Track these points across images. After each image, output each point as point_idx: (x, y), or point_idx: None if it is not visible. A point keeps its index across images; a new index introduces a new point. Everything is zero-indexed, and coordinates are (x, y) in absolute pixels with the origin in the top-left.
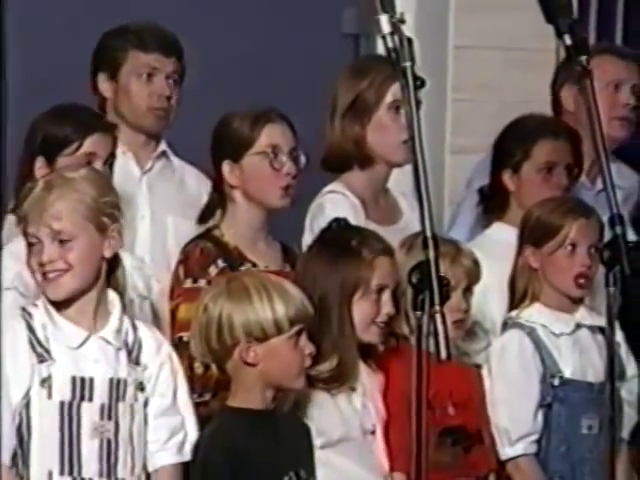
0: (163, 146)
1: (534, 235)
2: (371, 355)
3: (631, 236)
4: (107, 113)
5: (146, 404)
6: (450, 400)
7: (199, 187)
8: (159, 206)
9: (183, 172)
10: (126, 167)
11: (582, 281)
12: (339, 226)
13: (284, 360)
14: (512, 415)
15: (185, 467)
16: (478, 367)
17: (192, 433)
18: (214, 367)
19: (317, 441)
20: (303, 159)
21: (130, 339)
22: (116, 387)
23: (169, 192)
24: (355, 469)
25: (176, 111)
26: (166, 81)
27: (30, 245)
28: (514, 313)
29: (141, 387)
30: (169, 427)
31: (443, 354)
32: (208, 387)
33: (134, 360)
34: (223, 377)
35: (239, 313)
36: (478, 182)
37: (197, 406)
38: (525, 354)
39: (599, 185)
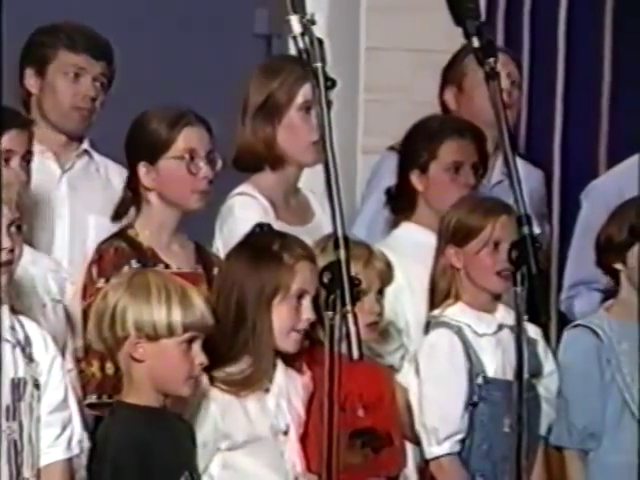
0: (85, 145)
1: (457, 235)
2: (294, 355)
3: (536, 229)
4: (30, 110)
5: (39, 400)
6: (360, 402)
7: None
8: (80, 205)
9: (107, 170)
10: (45, 166)
11: (505, 274)
12: (262, 231)
13: (171, 363)
14: (442, 414)
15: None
16: (391, 368)
17: (78, 427)
18: None
19: (222, 444)
20: (219, 162)
21: (21, 336)
22: (17, 386)
23: (93, 191)
24: (262, 470)
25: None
26: (92, 83)
27: None
28: (437, 312)
29: (36, 384)
30: (61, 422)
31: (355, 354)
32: (118, 388)
33: (28, 357)
34: None
35: (134, 307)
36: (376, 182)
37: (107, 407)
38: (454, 353)
39: (493, 179)
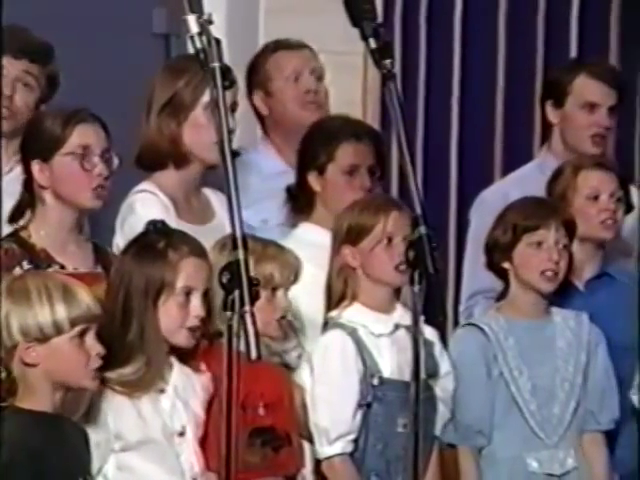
0: None
1: (350, 235)
2: (192, 355)
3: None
4: None
5: None
6: (261, 400)
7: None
8: None
9: None
10: None
11: (403, 268)
12: (155, 228)
13: (67, 360)
14: (332, 415)
15: None
16: (287, 367)
17: None
18: None
19: (115, 445)
20: (116, 161)
21: None
22: None
23: None
24: (155, 472)
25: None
26: (12, 83)
27: None
28: (335, 313)
29: None
30: None
31: (253, 354)
32: (11, 392)
33: None
34: None
35: (17, 314)
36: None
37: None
38: (347, 354)
39: None
